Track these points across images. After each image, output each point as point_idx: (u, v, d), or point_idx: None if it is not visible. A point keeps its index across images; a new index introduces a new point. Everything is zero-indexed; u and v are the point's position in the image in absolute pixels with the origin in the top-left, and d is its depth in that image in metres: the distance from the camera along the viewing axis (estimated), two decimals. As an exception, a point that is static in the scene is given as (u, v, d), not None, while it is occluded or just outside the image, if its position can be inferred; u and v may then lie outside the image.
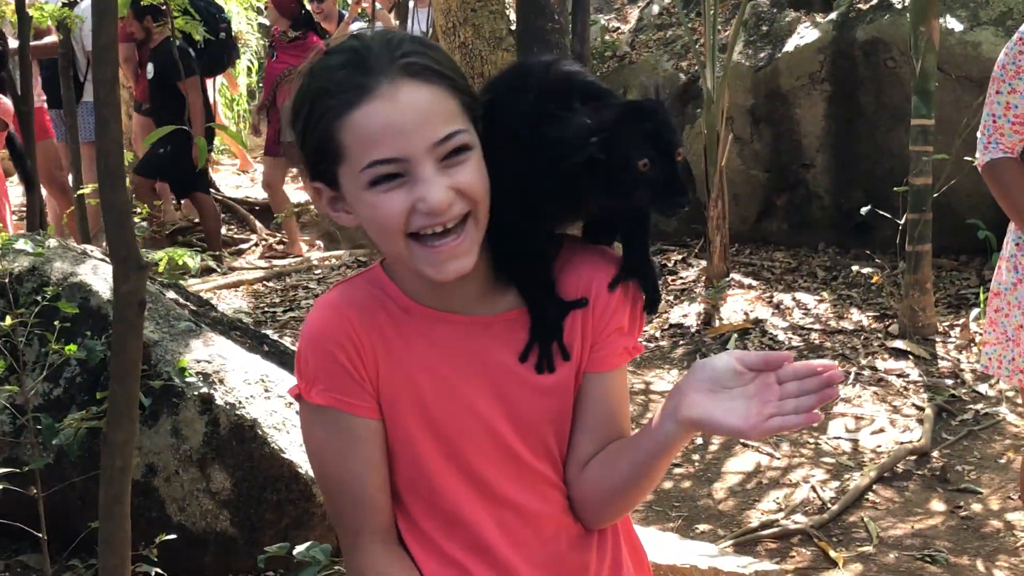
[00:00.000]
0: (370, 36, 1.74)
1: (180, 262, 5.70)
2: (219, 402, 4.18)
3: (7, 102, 5.70)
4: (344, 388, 1.79)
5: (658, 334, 6.95)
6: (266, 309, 7.95)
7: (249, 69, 14.46)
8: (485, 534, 1.84)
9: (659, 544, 4.14)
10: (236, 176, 12.76)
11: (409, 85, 1.66)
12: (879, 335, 6.57)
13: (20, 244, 4.14)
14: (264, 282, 8.55)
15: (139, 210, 8.80)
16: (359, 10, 10.48)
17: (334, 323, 1.81)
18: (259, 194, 11.17)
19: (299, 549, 3.08)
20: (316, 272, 8.78)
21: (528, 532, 1.86)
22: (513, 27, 7.08)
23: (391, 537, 1.85)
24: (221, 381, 4.24)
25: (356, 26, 9.96)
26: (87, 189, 6.50)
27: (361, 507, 1.83)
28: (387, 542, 1.84)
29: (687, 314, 7.12)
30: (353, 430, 1.81)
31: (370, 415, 1.81)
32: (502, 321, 1.84)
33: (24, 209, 6.99)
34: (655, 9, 9.53)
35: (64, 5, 7.29)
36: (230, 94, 14.01)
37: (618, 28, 9.68)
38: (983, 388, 5.83)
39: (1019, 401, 3.62)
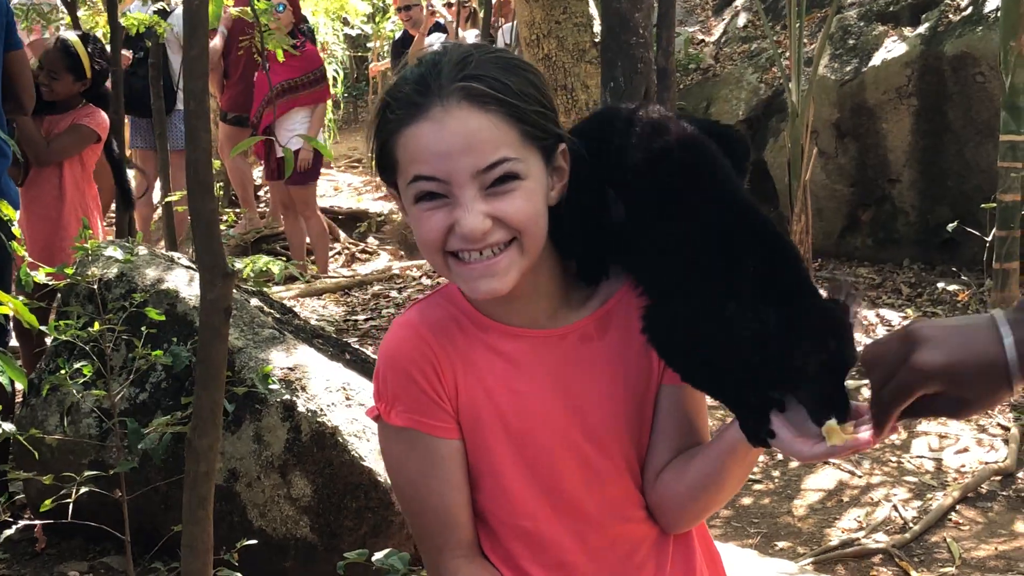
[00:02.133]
0: (455, 49, 1.74)
1: (265, 269, 5.77)
2: (301, 409, 4.21)
3: (104, 116, 5.79)
4: (424, 409, 1.80)
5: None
6: (348, 317, 8.01)
7: (335, 79, 14.58)
8: (567, 553, 1.84)
9: (738, 561, 4.11)
10: (322, 186, 12.87)
11: (462, 110, 1.66)
12: (965, 353, 6.46)
13: (110, 251, 4.20)
14: (347, 291, 8.61)
15: (225, 218, 8.92)
16: (432, 22, 10.50)
17: (412, 344, 1.81)
18: (343, 203, 11.26)
19: (378, 556, 3.09)
20: (397, 281, 8.82)
21: (609, 548, 1.85)
22: (597, 40, 7.08)
23: (475, 551, 1.86)
24: (303, 388, 4.28)
25: (434, 37, 10.00)
26: (175, 197, 6.58)
27: (444, 525, 1.83)
28: (471, 556, 1.85)
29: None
30: (434, 451, 1.81)
31: (450, 435, 1.81)
32: (576, 332, 1.84)
33: (114, 216, 7.09)
34: (740, 22, 9.48)
35: (156, 13, 7.38)
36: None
37: (702, 41, 9.64)
38: (1071, 409, 5.72)
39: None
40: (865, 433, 1.61)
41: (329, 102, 10.64)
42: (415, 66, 1.74)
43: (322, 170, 9.59)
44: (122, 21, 6.55)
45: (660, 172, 1.74)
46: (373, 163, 1.79)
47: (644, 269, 1.80)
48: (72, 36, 5.70)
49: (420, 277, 8.82)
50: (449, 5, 11.10)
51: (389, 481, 3.22)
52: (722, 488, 1.84)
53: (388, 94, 1.73)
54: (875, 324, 6.97)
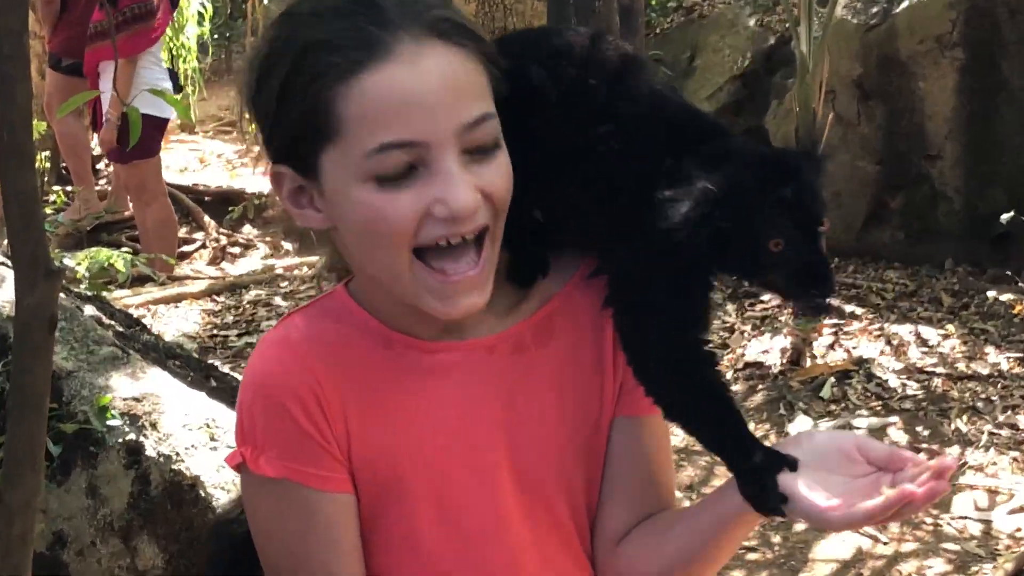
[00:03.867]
0: None
1: (106, 266, 5.73)
2: (150, 452, 4.20)
3: None
4: (304, 455, 1.78)
5: (730, 375, 6.95)
6: (216, 332, 7.98)
7: (201, 16, 14.51)
8: None
9: (724, 652, 4.14)
10: (183, 155, 12.81)
11: (438, 48, 1.64)
12: (1022, 382, 6.55)
13: None
14: (214, 296, 8.56)
15: (53, 198, 8.84)
16: None
17: (288, 367, 1.80)
18: (210, 180, 11.19)
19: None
20: (282, 284, 8.80)
21: None
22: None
23: None
24: (154, 425, 4.27)
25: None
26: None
27: None
28: None
29: (768, 350, 7.11)
30: (316, 507, 1.79)
31: (338, 487, 1.80)
32: (507, 342, 1.86)
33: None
34: (735, -53, 9.56)
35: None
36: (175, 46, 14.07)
37: (686, -29, 9.72)
38: None
39: None
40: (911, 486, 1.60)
41: (173, 42, 10.46)
42: None
43: (184, 136, 9.49)
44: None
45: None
46: (272, 130, 1.74)
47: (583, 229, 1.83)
48: None
49: (313, 279, 8.79)
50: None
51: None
52: (707, 567, 1.86)
53: (311, 29, 1.67)
54: (908, 344, 7.03)
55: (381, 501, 1.82)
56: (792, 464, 1.69)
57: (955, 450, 5.89)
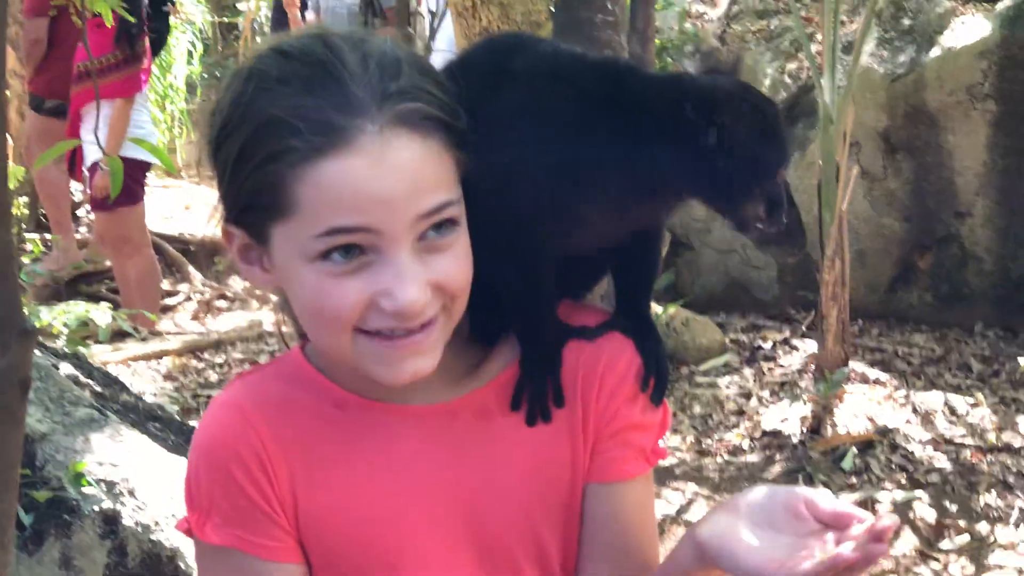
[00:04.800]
0: (345, 44, 1.70)
1: (84, 322, 5.72)
2: (128, 522, 4.19)
3: None
4: (249, 522, 1.79)
5: (746, 444, 6.93)
6: (199, 391, 7.97)
7: (190, 55, 14.59)
8: None
9: None
10: (167, 201, 12.83)
11: (402, 139, 1.64)
12: (1058, 457, 6.54)
13: None
14: (198, 353, 8.56)
15: (30, 248, 8.84)
16: None
17: (234, 432, 1.80)
18: (195, 228, 11.20)
19: None
20: (269, 342, 8.79)
21: None
22: (554, 9, 7.16)
23: None
24: (131, 493, 4.26)
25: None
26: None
27: None
28: None
29: (787, 418, 7.09)
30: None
31: (286, 558, 1.81)
32: (470, 406, 1.86)
33: None
34: (755, -11, 9.60)
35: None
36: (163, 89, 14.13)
37: (704, 14, 9.74)
38: None
39: None
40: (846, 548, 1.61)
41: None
42: (295, 61, 1.69)
43: (169, 181, 9.49)
44: None
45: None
46: (226, 191, 1.75)
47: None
48: None
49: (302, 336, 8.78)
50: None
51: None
52: None
53: (273, 103, 1.66)
54: (935, 412, 7.03)
55: (332, 570, 1.83)
56: (581, 333, 1.81)
57: (984, 527, 5.88)
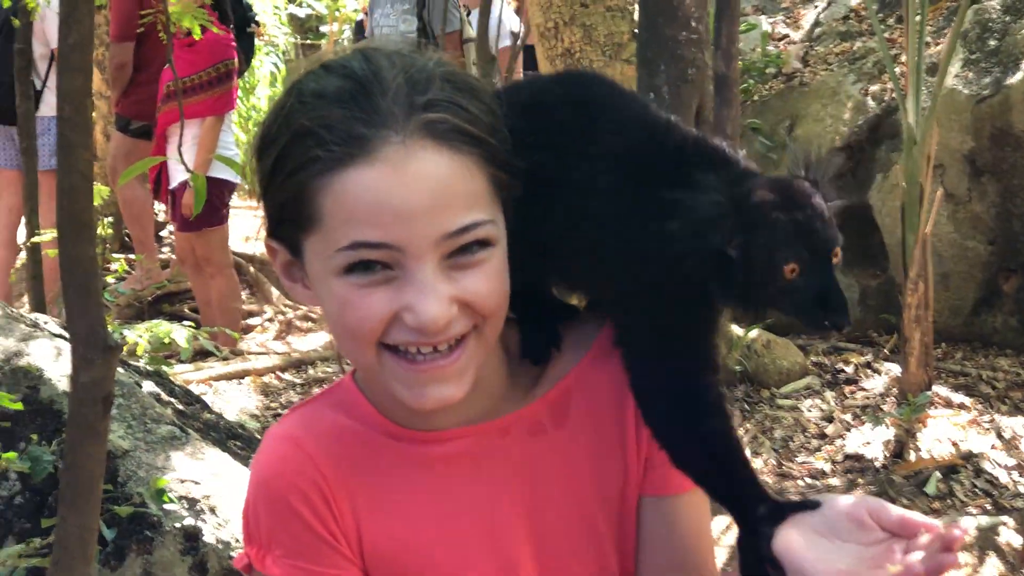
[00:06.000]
0: (388, 60, 1.70)
1: (166, 341, 5.76)
2: (208, 539, 4.20)
3: None
4: (311, 553, 1.80)
5: (828, 468, 6.89)
6: (280, 411, 7.99)
7: (273, 77, 14.68)
8: None
9: None
10: (249, 222, 12.89)
11: (427, 151, 1.62)
12: None
13: (-52, 311, 4.22)
14: (279, 373, 8.59)
15: (115, 267, 8.90)
16: None
17: (292, 465, 1.81)
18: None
19: None
20: (347, 362, 8.77)
21: None
22: (637, 30, 7.15)
23: None
24: (212, 510, 4.28)
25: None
26: (44, 236, 6.59)
27: None
28: None
29: (870, 441, 7.04)
30: None
31: None
32: (522, 423, 1.86)
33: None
34: (839, 12, 9.56)
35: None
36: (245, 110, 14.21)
37: (786, 36, 9.71)
38: None
39: None
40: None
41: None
42: (335, 75, 1.70)
43: (251, 203, 9.50)
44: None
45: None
46: (264, 204, 1.76)
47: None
48: None
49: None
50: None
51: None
52: None
53: (306, 113, 1.67)
54: (1021, 437, 6.97)
55: None
56: (813, 504, 1.69)
57: (1070, 553, 5.84)
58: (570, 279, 1.85)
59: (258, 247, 11.28)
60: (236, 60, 8.77)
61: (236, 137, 10.78)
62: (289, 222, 1.70)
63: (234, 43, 8.71)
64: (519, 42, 9.91)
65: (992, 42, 8.27)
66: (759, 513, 1.70)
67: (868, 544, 1.63)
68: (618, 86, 1.87)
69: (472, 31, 9.83)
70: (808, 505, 1.69)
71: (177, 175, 8.42)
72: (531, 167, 1.75)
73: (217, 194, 8.55)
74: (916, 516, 1.64)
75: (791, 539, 1.65)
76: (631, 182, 1.71)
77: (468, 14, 10.73)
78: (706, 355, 1.76)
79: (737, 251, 1.63)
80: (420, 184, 1.61)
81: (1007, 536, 5.98)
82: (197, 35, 6.77)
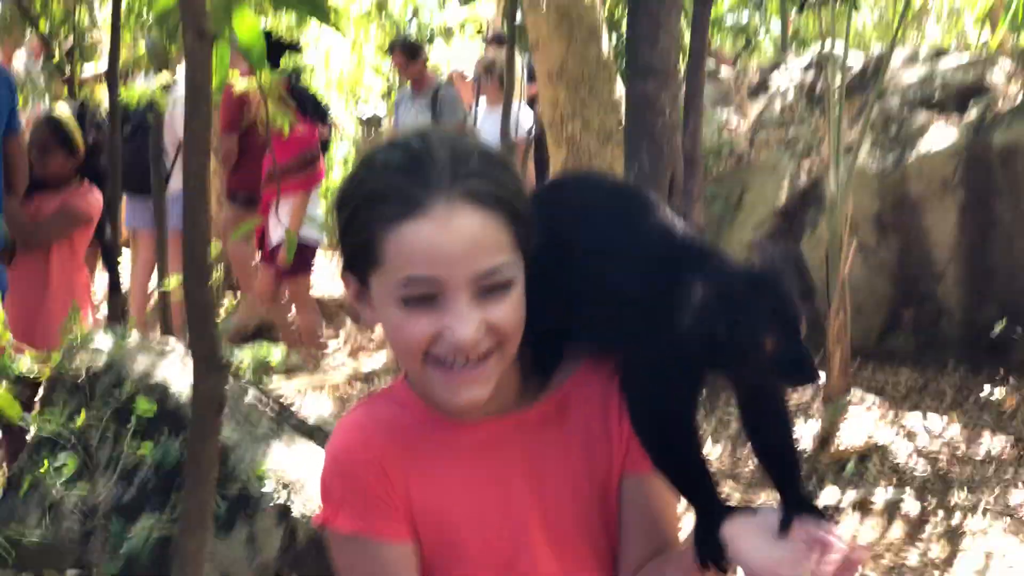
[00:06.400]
0: (438, 140, 1.73)
1: (265, 356, 5.75)
2: (297, 514, 4.19)
3: (97, 195, 5.81)
4: (372, 513, 1.80)
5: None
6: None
7: (345, 159, 14.69)
8: None
9: None
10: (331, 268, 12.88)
11: (465, 210, 1.65)
12: (1013, 463, 6.43)
13: (99, 339, 4.21)
14: (352, 383, 8.59)
15: (225, 303, 8.91)
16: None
17: (359, 444, 1.83)
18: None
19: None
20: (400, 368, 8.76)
21: None
22: (623, 120, 7.14)
23: None
24: (301, 490, 4.26)
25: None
26: (172, 281, 6.60)
27: None
28: None
29: (802, 435, 7.00)
30: (384, 556, 1.81)
31: (400, 538, 1.81)
32: (537, 414, 1.86)
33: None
34: (776, 107, 9.54)
35: (162, 88, 7.48)
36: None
37: (736, 124, 9.69)
38: None
39: None
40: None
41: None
42: (398, 151, 1.73)
43: (331, 254, 9.53)
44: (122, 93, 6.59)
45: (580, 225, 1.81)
46: (341, 245, 1.78)
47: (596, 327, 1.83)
48: (62, 110, 5.73)
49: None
50: (463, 78, 11.19)
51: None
52: None
53: (375, 180, 1.71)
54: (918, 431, 6.93)
55: (439, 555, 1.83)
56: (753, 511, 1.72)
57: (957, 518, 5.80)
58: (590, 330, 1.83)
59: (338, 288, 11.27)
60: (318, 149, 8.81)
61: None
62: (359, 261, 1.73)
63: (316, 136, 8.75)
64: (530, 135, 9.92)
65: (894, 129, 8.27)
66: (713, 510, 1.73)
67: (794, 550, 1.65)
68: (645, 195, 1.88)
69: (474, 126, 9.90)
70: (750, 511, 1.72)
71: (276, 236, 8.44)
72: (566, 248, 1.78)
73: (302, 253, 8.59)
74: (831, 537, 1.65)
75: (734, 531, 1.69)
76: (646, 272, 1.72)
77: (472, 112, 10.76)
78: (689, 400, 1.77)
79: (726, 333, 1.63)
80: (459, 235, 1.64)
81: (908, 506, 5.96)
82: (286, 134, 6.78)
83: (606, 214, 1.81)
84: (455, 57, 12.74)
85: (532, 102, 10.32)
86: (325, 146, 9.70)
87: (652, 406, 1.75)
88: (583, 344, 1.89)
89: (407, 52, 10.36)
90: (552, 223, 1.79)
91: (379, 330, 10.15)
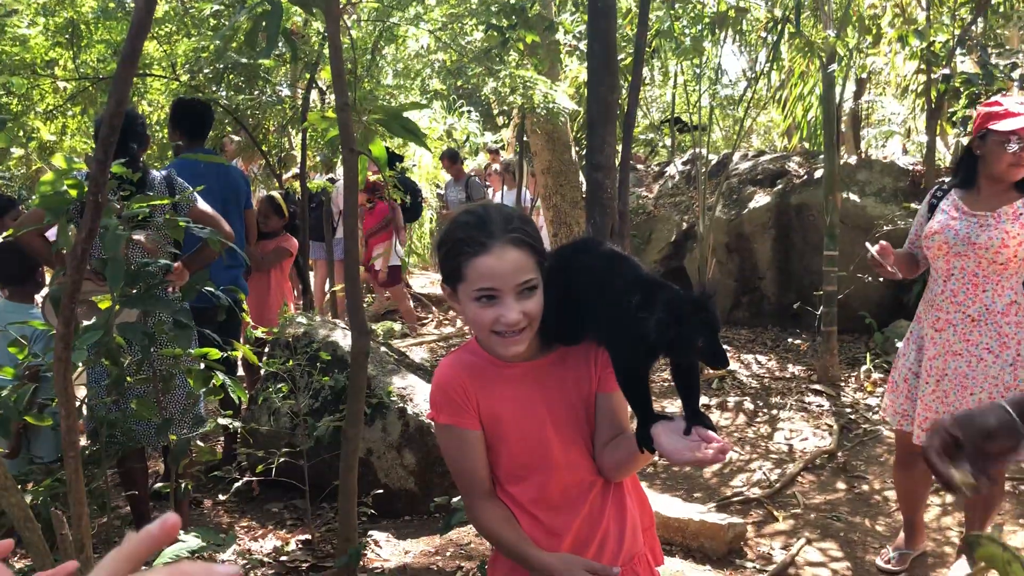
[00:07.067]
0: (493, 209, 1.71)
1: (388, 328, 5.74)
2: (410, 412, 4.20)
3: (294, 241, 5.87)
4: (458, 413, 1.76)
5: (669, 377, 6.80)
6: (438, 359, 7.95)
7: (431, 220, 14.61)
8: (546, 490, 1.81)
9: (668, 504, 4.06)
10: (420, 276, 12.84)
11: (511, 248, 1.63)
12: (805, 381, 6.40)
13: (299, 319, 4.24)
14: (440, 342, 8.57)
15: (368, 299, 8.89)
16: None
17: (451, 375, 1.78)
18: (437, 291, 11.19)
19: (454, 500, 3.08)
20: (466, 337, 8.73)
21: (573, 486, 1.82)
22: (585, 195, 7.11)
23: (492, 494, 1.82)
24: (411, 399, 4.28)
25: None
26: (337, 288, 6.63)
27: (472, 480, 1.80)
28: (489, 497, 1.81)
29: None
30: (465, 438, 1.78)
31: (474, 427, 1.77)
32: (547, 363, 1.81)
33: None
34: (669, 185, 9.50)
35: (329, 180, 7.53)
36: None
37: (646, 195, 9.66)
38: (870, 414, 5.64)
39: (890, 422, 3.55)
40: (710, 450, 1.56)
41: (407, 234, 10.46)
42: (472, 215, 1.69)
43: (421, 271, 9.46)
44: (308, 184, 6.64)
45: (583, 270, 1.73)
46: (440, 267, 1.74)
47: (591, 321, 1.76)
48: (276, 195, 5.82)
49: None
50: (493, 172, 11.13)
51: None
52: (632, 467, 1.79)
53: (460, 231, 1.67)
54: (751, 363, 6.90)
55: (494, 440, 1.79)
56: (672, 417, 1.65)
57: (775, 413, 5.76)
58: (591, 326, 1.75)
59: (429, 289, 11.26)
60: (398, 215, 8.65)
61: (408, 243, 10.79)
62: (452, 277, 1.69)
63: (396, 209, 8.57)
64: (531, 206, 9.89)
65: (735, 196, 8.22)
66: (648, 416, 1.67)
67: (691, 441, 1.60)
68: (624, 254, 1.77)
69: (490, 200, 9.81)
70: (668, 418, 1.66)
71: (376, 263, 8.49)
72: (579, 280, 1.72)
73: (394, 272, 8.60)
74: (714, 435, 1.59)
75: (658, 430, 1.64)
76: (625, 295, 1.63)
77: (491, 191, 10.55)
78: (647, 364, 1.68)
79: (674, 337, 1.56)
80: (508, 263, 1.62)
81: (746, 405, 5.90)
82: (370, 207, 6.69)
83: (603, 262, 1.74)
84: (483, 161, 12.69)
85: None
86: (417, 214, 9.65)
87: (626, 364, 1.70)
88: (585, 331, 1.81)
89: (451, 158, 10.28)
90: (572, 264, 1.75)
91: (455, 315, 10.15)
